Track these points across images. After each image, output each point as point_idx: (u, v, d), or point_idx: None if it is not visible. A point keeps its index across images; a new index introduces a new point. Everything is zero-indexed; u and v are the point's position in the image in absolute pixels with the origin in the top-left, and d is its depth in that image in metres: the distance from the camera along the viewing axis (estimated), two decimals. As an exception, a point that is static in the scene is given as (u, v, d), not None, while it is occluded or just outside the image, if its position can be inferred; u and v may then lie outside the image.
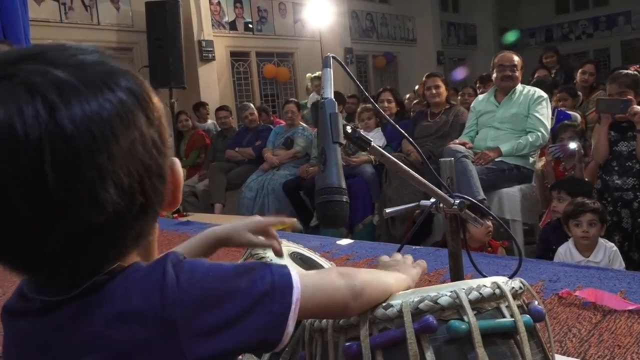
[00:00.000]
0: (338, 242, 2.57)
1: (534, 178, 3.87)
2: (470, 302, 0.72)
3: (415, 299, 0.72)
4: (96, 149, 0.49)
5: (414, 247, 2.32)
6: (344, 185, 0.86)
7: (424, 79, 4.42)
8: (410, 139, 1.23)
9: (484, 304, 0.73)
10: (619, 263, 2.62)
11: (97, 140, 0.49)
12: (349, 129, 1.00)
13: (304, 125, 5.29)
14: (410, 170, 1.16)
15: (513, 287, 0.77)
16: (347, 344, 0.72)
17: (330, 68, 1.07)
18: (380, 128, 4.51)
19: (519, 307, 0.77)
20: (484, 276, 1.35)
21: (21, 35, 4.68)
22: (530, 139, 3.73)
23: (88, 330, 0.54)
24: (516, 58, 3.85)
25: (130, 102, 0.53)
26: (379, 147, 3.49)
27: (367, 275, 0.74)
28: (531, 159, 3.85)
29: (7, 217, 0.48)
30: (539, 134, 3.73)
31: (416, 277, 0.87)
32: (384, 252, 2.30)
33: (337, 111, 0.98)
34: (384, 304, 0.73)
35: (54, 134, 0.47)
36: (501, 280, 0.78)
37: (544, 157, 3.87)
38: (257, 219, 0.98)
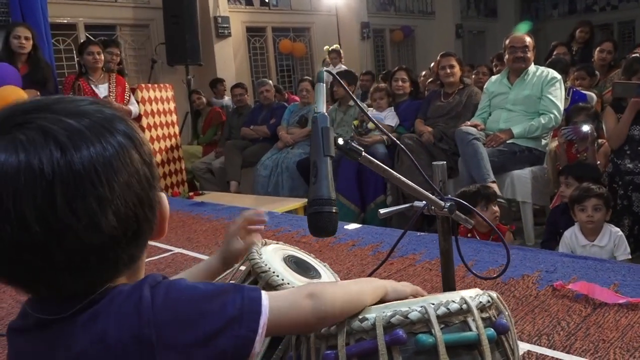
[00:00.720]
0: (345, 226, 2.62)
1: (546, 159, 3.88)
2: (439, 317, 0.78)
3: (388, 314, 0.78)
4: (99, 183, 0.59)
5: (418, 234, 2.36)
6: (333, 196, 0.91)
7: (438, 58, 4.40)
8: (394, 138, 1.28)
9: (451, 318, 0.79)
10: (624, 248, 2.65)
11: (100, 176, 0.59)
12: (340, 140, 1.05)
13: (319, 103, 5.32)
14: (401, 177, 1.21)
15: (480, 302, 0.82)
16: (327, 352, 0.78)
17: (323, 83, 1.11)
18: (392, 108, 4.52)
19: (486, 319, 0.82)
20: (472, 272, 1.41)
21: (39, 16, 4.77)
22: (543, 121, 3.73)
23: (76, 348, 0.61)
24: (528, 39, 3.82)
25: (126, 143, 0.62)
26: (391, 127, 3.52)
27: (338, 293, 0.78)
28: (543, 141, 3.86)
29: (23, 237, 0.57)
30: (552, 115, 3.73)
31: (400, 291, 0.91)
32: (389, 238, 2.38)
33: (328, 125, 1.03)
34: (360, 317, 0.79)
35: (65, 171, 0.57)
36: (470, 295, 0.83)
37: (557, 138, 3.87)
38: (235, 226, 1.09)
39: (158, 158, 5.03)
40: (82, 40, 6.13)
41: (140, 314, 0.61)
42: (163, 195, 0.70)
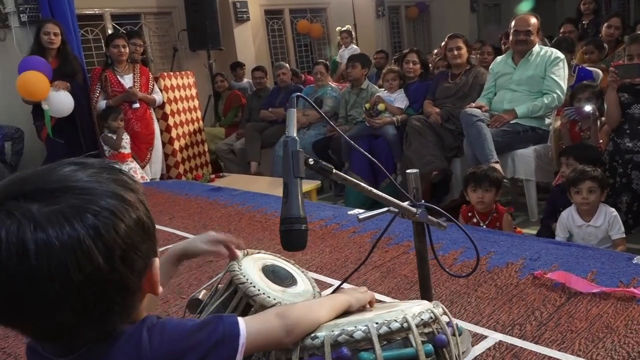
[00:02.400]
0: (349, 212, 2.78)
1: (550, 138, 3.99)
2: (381, 335, 0.87)
3: (336, 333, 0.88)
4: (49, 279, 0.60)
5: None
6: (303, 214, 1.03)
7: (446, 39, 4.51)
8: (348, 138, 1.46)
9: (393, 336, 0.88)
10: (619, 227, 2.74)
11: (51, 270, 0.60)
12: (311, 161, 1.19)
13: (333, 85, 5.48)
14: (372, 189, 1.31)
15: (422, 319, 0.92)
16: None
17: (294, 108, 1.28)
18: (402, 90, 4.66)
19: (429, 333, 0.92)
20: (447, 271, 1.49)
21: (66, 10, 5.03)
22: (546, 101, 3.82)
23: None
24: (532, 21, 3.89)
25: (88, 236, 0.62)
26: (401, 109, 3.69)
27: (302, 311, 0.90)
28: (547, 120, 3.95)
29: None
30: (555, 95, 3.82)
31: (361, 300, 1.03)
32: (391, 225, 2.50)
33: (298, 149, 1.19)
34: (312, 335, 0.89)
35: (21, 255, 0.60)
36: (414, 312, 0.93)
37: (560, 117, 3.97)
38: (212, 235, 1.14)
39: (182, 142, 5.30)
40: (109, 30, 6.40)
41: (140, 354, 0.71)
42: (155, 262, 0.74)
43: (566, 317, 1.55)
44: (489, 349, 1.46)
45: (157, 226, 2.79)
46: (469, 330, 1.53)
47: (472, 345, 1.47)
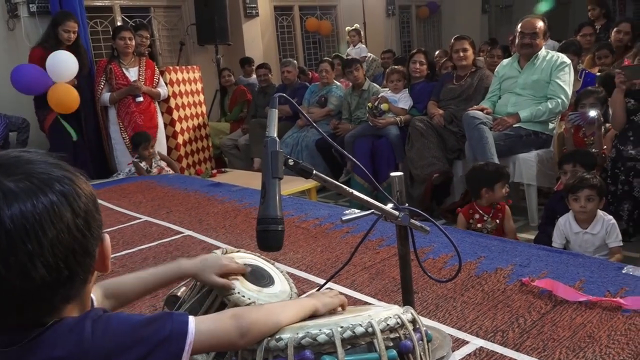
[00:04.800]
0: (346, 211, 2.77)
1: (552, 143, 3.95)
2: (345, 339, 0.88)
3: (300, 335, 0.88)
4: (27, 240, 0.67)
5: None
6: (280, 215, 1.04)
7: (452, 41, 4.48)
8: (332, 141, 1.46)
9: (358, 340, 0.89)
10: (616, 235, 2.71)
11: (28, 233, 0.67)
12: (290, 162, 1.20)
13: (338, 83, 5.47)
14: (354, 191, 1.32)
15: (388, 325, 0.92)
16: None
17: (275, 108, 1.28)
18: (407, 90, 4.64)
19: (395, 339, 0.92)
20: (428, 275, 1.49)
21: (75, 1, 5.05)
22: (550, 106, 3.79)
23: None
24: (539, 24, 3.84)
25: (59, 202, 0.70)
26: (405, 109, 3.70)
27: (260, 314, 0.90)
28: (551, 125, 3.92)
29: None
30: (559, 100, 3.78)
31: (329, 304, 1.03)
32: (381, 226, 2.36)
33: (278, 149, 1.20)
34: (276, 337, 0.89)
35: None
36: (380, 318, 0.92)
37: (564, 122, 3.93)
38: (224, 264, 1.14)
39: (185, 136, 5.31)
40: (118, 23, 6.43)
41: (81, 344, 0.71)
42: (106, 237, 0.80)
43: (550, 325, 1.54)
44: (469, 354, 1.45)
45: (154, 220, 2.81)
46: (451, 335, 1.53)
47: (453, 351, 1.47)
